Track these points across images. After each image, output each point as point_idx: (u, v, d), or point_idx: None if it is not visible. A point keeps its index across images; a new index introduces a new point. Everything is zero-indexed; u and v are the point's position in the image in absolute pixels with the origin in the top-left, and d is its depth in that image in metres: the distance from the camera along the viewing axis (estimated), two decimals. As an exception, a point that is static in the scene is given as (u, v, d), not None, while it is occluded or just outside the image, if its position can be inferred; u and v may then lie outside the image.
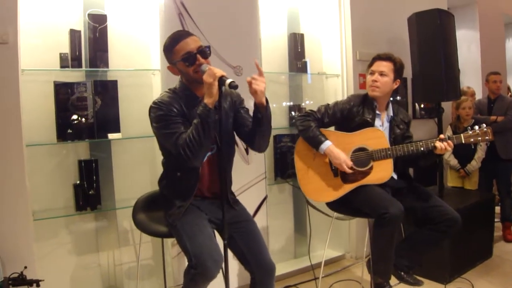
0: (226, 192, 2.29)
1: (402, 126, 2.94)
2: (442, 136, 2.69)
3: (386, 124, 2.93)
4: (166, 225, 2.31)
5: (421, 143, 2.70)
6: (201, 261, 2.02)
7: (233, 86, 1.97)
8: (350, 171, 2.74)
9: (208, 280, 2.06)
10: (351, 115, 2.86)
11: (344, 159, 2.73)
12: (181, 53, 2.14)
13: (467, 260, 3.69)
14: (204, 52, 2.16)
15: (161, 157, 2.39)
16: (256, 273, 2.28)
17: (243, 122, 2.37)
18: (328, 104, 2.94)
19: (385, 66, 2.84)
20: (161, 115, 2.14)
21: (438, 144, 2.64)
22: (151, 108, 2.19)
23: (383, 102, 2.91)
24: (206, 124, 2.02)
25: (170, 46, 2.18)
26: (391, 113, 2.94)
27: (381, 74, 2.83)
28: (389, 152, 2.73)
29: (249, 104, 2.45)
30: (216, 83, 1.99)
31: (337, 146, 2.77)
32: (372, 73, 2.87)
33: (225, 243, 2.08)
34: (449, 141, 2.64)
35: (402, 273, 2.78)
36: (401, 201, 2.60)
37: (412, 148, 2.70)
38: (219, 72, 2.00)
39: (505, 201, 4.55)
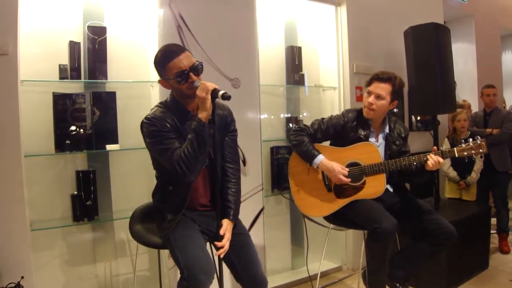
0: (221, 204, 2.30)
1: (398, 142, 2.91)
2: (435, 148, 2.72)
3: (382, 141, 2.91)
4: (161, 237, 2.32)
5: (413, 158, 2.70)
6: (193, 274, 2.02)
7: (226, 97, 2.01)
8: (348, 180, 2.74)
9: None
10: (344, 131, 2.86)
11: (338, 170, 2.73)
12: (174, 71, 2.13)
13: (463, 272, 3.70)
14: (197, 69, 2.16)
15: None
16: (248, 287, 2.30)
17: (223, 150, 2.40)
18: (323, 119, 2.94)
19: (382, 89, 2.77)
20: (154, 131, 2.14)
21: (430, 161, 2.63)
22: (143, 123, 2.19)
23: (378, 120, 2.89)
24: (201, 138, 2.04)
25: (163, 62, 2.17)
26: (387, 130, 2.91)
27: (378, 97, 2.78)
28: (381, 167, 2.74)
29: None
30: (209, 97, 2.03)
31: (330, 161, 2.78)
32: (369, 93, 2.82)
33: (220, 257, 2.13)
34: (437, 157, 2.63)
35: (398, 284, 2.79)
36: (397, 213, 2.61)
37: (404, 162, 2.70)
38: (211, 85, 2.04)
39: (501, 213, 4.56)
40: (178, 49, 2.18)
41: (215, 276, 2.12)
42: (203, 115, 2.05)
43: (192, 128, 2.07)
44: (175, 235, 2.19)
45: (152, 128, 2.15)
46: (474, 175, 4.42)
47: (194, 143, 2.04)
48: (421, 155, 2.69)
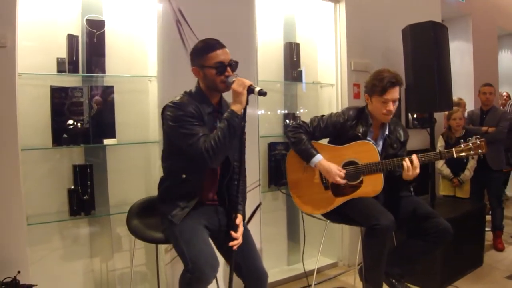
0: (229, 200, 2.38)
1: (396, 145, 2.86)
2: (414, 156, 2.67)
3: (380, 142, 2.87)
4: (163, 229, 2.32)
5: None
6: (198, 266, 2.06)
7: (262, 93, 2.12)
8: (344, 181, 2.73)
9: (204, 285, 2.09)
10: (344, 129, 2.83)
11: (335, 172, 2.72)
12: (214, 61, 2.21)
13: (458, 268, 3.73)
14: (233, 66, 2.26)
15: (156, 163, 2.41)
16: (248, 281, 2.32)
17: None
18: (322, 116, 2.91)
19: (398, 92, 2.73)
20: (181, 115, 2.17)
21: (405, 163, 2.64)
22: (168, 107, 2.24)
23: (380, 120, 2.85)
24: (232, 128, 2.10)
25: (203, 51, 2.25)
26: (386, 131, 2.87)
27: (395, 101, 2.73)
28: (379, 167, 2.71)
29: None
30: (245, 92, 2.11)
31: (328, 160, 2.77)
32: (386, 101, 2.70)
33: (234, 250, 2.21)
34: (414, 162, 2.63)
35: (394, 281, 2.80)
36: (393, 210, 2.62)
37: (401, 162, 2.67)
38: (247, 81, 2.13)
39: (496, 211, 4.59)
40: (219, 44, 2.27)
41: (218, 269, 2.15)
42: (237, 107, 2.13)
43: (225, 118, 2.13)
44: (180, 227, 2.21)
45: (178, 113, 2.18)
46: (468, 173, 4.44)
47: (226, 132, 2.10)
48: (420, 154, 2.68)
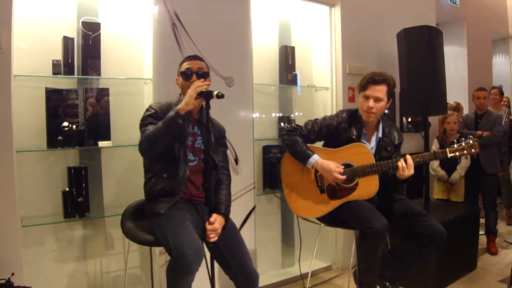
0: (213, 203, 2.44)
1: (390, 148, 2.85)
2: (408, 156, 2.67)
3: (374, 144, 2.87)
4: (153, 228, 2.37)
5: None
6: (182, 252, 2.06)
7: (219, 96, 2.19)
8: (343, 177, 2.73)
9: (189, 273, 2.07)
10: (337, 131, 2.83)
11: (334, 169, 2.72)
12: (183, 69, 2.45)
13: (452, 272, 3.74)
14: (199, 74, 2.42)
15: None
16: (239, 282, 2.34)
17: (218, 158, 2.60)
18: (316, 120, 2.92)
19: (380, 91, 2.71)
20: (147, 116, 2.39)
21: (399, 163, 2.64)
22: (146, 109, 2.43)
23: (373, 122, 2.84)
24: (168, 126, 2.22)
25: (181, 62, 2.51)
26: (380, 134, 2.87)
27: (377, 99, 2.72)
28: (374, 168, 2.71)
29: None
30: (194, 95, 2.21)
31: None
32: (367, 97, 2.73)
33: (211, 246, 2.27)
34: (408, 161, 2.63)
35: (388, 284, 2.81)
36: (388, 214, 2.63)
37: (396, 163, 2.68)
38: (202, 86, 2.23)
39: (490, 215, 4.60)
40: (193, 56, 2.53)
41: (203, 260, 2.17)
42: (181, 106, 2.24)
43: (168, 114, 2.26)
44: (166, 219, 2.28)
45: (147, 113, 2.40)
46: (457, 174, 4.46)
47: (161, 126, 2.23)
48: (414, 155, 2.69)
